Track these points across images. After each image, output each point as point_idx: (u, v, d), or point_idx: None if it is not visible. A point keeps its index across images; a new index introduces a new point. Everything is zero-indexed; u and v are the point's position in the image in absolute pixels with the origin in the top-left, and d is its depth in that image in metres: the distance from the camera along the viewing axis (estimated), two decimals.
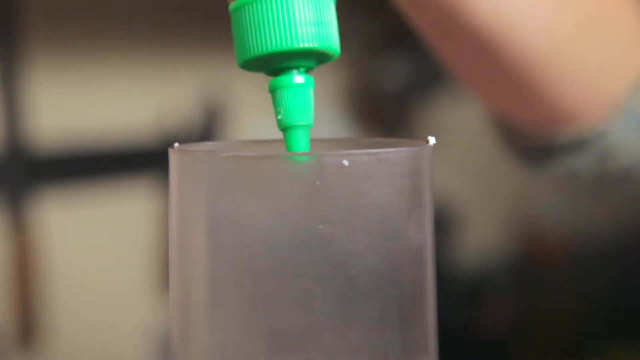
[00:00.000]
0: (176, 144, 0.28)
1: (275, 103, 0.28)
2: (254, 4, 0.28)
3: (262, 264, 0.27)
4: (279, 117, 0.28)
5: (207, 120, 1.01)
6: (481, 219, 1.31)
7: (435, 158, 0.28)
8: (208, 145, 0.30)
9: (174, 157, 0.28)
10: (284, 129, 0.28)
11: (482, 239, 1.32)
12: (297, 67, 0.28)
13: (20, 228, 0.93)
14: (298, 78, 0.28)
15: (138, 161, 1.00)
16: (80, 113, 0.95)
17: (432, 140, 0.28)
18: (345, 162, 0.26)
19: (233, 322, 0.27)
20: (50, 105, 0.92)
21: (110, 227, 0.99)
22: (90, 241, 0.98)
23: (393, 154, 0.27)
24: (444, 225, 1.21)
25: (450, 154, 1.16)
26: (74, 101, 0.94)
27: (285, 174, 0.27)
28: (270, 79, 0.29)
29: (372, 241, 0.27)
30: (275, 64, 0.28)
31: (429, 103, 1.19)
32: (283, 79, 0.28)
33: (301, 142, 0.28)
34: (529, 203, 1.35)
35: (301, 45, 0.28)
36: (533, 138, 0.42)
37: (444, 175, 1.18)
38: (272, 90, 0.28)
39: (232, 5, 0.28)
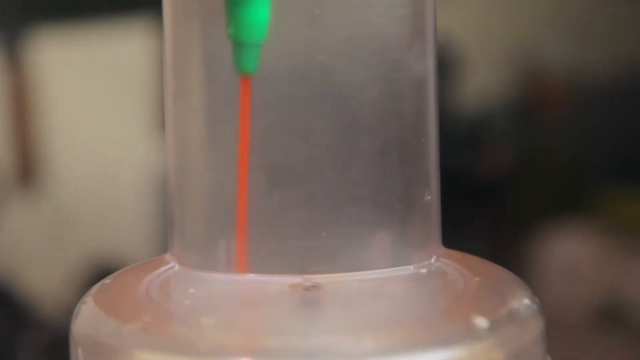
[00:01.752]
0: None
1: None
2: None
3: (261, 97, 0.26)
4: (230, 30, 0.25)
5: None
6: (482, 60, 1.30)
7: None
8: None
9: None
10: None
11: (483, 81, 1.31)
12: None
13: (16, 67, 0.92)
14: None
15: None
16: None
17: None
18: None
19: (231, 159, 0.27)
20: None
21: (108, 65, 0.98)
22: (88, 80, 0.97)
23: None
24: (444, 66, 1.19)
25: None
26: None
27: (283, 2, 0.26)
28: None
29: (372, 73, 0.26)
30: None
31: None
32: None
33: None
34: (531, 45, 1.34)
35: None
36: None
37: (445, 14, 1.16)
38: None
39: None
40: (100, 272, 0.95)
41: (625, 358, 0.62)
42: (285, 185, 0.26)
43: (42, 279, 0.96)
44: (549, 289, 0.86)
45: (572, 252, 1.06)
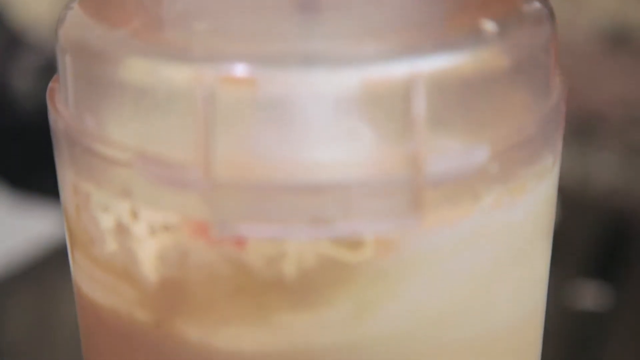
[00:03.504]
0: None
1: None
2: None
3: None
4: None
5: None
6: None
7: None
8: None
9: None
10: None
11: None
12: None
13: None
14: None
15: None
16: None
17: None
18: None
19: None
20: None
21: None
22: None
23: None
24: None
25: None
26: None
27: None
28: None
29: None
30: None
31: None
32: None
33: None
34: None
35: None
36: None
37: None
38: None
39: None
40: None
41: (629, 81, 0.62)
42: None
43: (33, 1, 0.94)
44: (555, 14, 0.84)
45: None
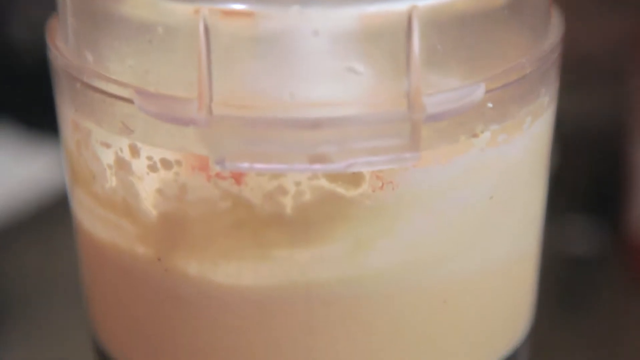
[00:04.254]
0: None
1: None
2: None
3: None
4: None
5: None
6: None
7: None
8: None
9: None
10: None
11: None
12: None
13: None
14: None
15: None
16: None
17: None
18: None
19: None
20: None
21: None
22: None
23: None
24: None
25: None
26: None
27: None
28: None
29: None
30: None
31: None
32: None
33: None
34: None
35: None
36: None
37: None
38: None
39: None
40: None
41: (623, 25, 0.61)
42: None
43: None
44: None
45: None
